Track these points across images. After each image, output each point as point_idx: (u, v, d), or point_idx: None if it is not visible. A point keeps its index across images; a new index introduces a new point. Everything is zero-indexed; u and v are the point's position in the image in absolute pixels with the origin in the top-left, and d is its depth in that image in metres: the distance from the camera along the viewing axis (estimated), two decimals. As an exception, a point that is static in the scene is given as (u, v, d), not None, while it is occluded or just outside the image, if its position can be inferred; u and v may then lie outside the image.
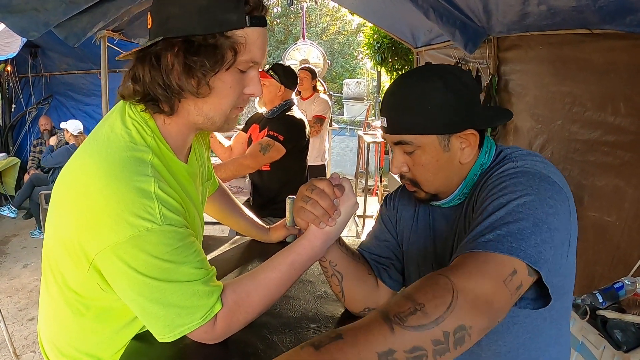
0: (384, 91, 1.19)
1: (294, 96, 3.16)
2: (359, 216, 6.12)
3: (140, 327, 1.16)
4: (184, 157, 1.17)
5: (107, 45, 4.60)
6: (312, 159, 4.85)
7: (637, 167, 2.45)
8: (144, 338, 1.14)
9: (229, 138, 3.35)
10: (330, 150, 6.44)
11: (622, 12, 2.30)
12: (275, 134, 2.82)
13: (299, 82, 5.13)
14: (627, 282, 2.01)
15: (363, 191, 6.64)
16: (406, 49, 7.35)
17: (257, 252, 1.76)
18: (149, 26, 1.02)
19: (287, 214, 1.78)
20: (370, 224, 5.74)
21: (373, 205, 6.61)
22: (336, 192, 1.07)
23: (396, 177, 1.23)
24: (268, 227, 1.82)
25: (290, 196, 1.77)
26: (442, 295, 0.77)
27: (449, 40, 4.41)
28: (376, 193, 7.65)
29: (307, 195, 1.07)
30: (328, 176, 1.16)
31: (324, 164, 5.32)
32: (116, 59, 1.06)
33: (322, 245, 1.10)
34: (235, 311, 1.06)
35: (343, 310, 1.34)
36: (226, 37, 0.97)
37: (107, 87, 4.65)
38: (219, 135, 3.19)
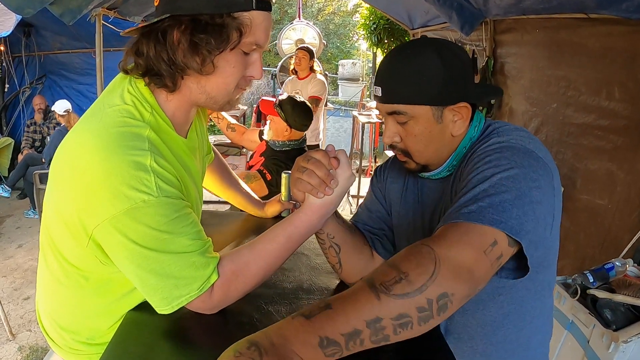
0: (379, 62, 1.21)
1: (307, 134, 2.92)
2: (352, 196, 6.14)
3: (141, 298, 1.17)
4: (184, 133, 1.18)
5: (102, 24, 4.54)
6: (305, 139, 4.86)
7: (629, 151, 2.47)
8: (142, 309, 1.16)
9: (237, 118, 3.23)
10: (325, 131, 6.44)
11: (619, -4, 2.31)
12: (265, 172, 2.69)
13: (297, 61, 5.18)
14: (617, 264, 2.04)
15: (357, 172, 6.62)
16: (402, 31, 7.32)
17: (253, 226, 1.77)
18: (155, 4, 1.02)
19: (283, 189, 1.78)
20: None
21: (367, 186, 6.59)
22: (332, 163, 1.06)
23: (389, 152, 1.24)
24: (263, 202, 1.84)
25: (286, 171, 1.78)
26: (425, 264, 0.80)
27: (446, 22, 4.40)
28: (370, 174, 7.66)
29: (303, 165, 1.06)
30: None
31: (318, 144, 5.39)
32: (121, 34, 1.07)
33: (319, 218, 1.10)
34: (233, 281, 1.07)
35: (337, 281, 1.36)
36: (233, 17, 0.98)
37: (102, 65, 4.58)
38: (226, 115, 3.15)
